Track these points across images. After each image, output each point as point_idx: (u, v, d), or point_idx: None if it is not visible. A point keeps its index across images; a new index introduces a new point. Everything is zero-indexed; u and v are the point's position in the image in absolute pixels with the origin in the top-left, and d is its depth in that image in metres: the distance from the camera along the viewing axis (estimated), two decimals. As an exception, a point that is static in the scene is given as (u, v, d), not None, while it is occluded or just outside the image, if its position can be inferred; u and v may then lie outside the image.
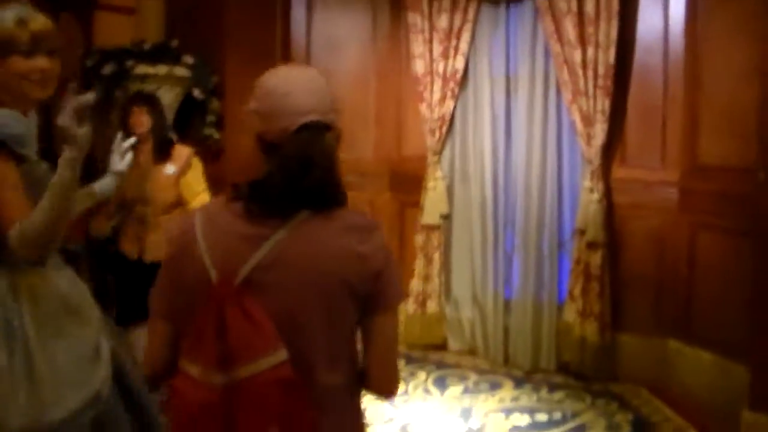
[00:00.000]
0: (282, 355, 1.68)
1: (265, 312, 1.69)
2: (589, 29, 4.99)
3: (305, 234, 1.75)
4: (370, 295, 1.79)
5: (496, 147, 5.52)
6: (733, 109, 4.66)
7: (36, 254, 2.33)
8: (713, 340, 4.79)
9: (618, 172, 5.18)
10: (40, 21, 2.41)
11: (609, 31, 4.96)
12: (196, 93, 5.41)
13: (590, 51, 5.01)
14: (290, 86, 1.81)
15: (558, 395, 4.98)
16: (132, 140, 2.95)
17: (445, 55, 5.48)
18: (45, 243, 2.30)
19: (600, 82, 5.01)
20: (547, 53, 5.25)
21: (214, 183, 5.57)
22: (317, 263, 1.74)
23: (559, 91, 5.22)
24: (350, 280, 1.76)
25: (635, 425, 4.57)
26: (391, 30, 5.94)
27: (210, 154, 5.57)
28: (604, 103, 5.02)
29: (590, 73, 5.02)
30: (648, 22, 5.06)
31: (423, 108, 5.61)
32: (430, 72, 5.55)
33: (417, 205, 5.72)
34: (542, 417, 4.65)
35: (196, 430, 1.71)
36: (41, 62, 2.40)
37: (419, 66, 5.59)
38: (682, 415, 4.69)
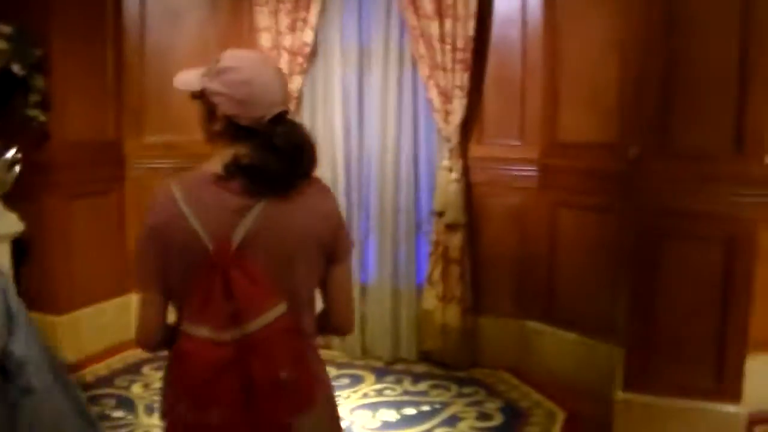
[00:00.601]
0: (282, 307, 1.93)
1: (260, 271, 1.92)
2: (448, 1, 4.75)
3: (281, 201, 1.97)
4: (333, 247, 2.07)
5: (348, 125, 5.19)
6: (594, 84, 4.58)
7: None
8: (576, 320, 4.72)
9: (476, 150, 4.99)
10: None
11: (468, 2, 4.73)
12: (16, 68, 4.73)
13: (448, 23, 4.76)
14: (265, 78, 2.01)
15: (423, 386, 4.75)
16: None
17: (293, 28, 5.08)
18: None
19: (459, 55, 4.78)
20: (402, 26, 4.96)
21: (40, 170, 4.99)
22: (294, 224, 1.99)
23: (414, 66, 4.95)
24: (320, 236, 2.03)
25: (506, 412, 4.40)
26: (233, 1, 5.49)
27: (34, 139, 4.96)
28: (462, 78, 4.80)
29: (448, 46, 4.79)
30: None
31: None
32: (277, 46, 5.14)
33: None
34: (410, 410, 4.40)
35: (212, 386, 1.88)
36: None
37: (265, 39, 5.16)
38: (551, 399, 4.57)
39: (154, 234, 1.96)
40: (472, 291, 5.00)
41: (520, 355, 4.99)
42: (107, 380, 4.87)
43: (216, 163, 1.99)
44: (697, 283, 3.81)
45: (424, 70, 4.85)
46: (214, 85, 2.00)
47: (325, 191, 2.11)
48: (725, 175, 3.72)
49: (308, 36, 5.07)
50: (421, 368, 5.01)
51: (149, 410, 4.38)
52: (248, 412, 1.91)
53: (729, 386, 3.82)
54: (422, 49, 4.83)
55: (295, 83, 5.13)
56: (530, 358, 4.95)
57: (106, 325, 5.42)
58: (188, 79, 2.11)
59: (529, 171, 4.89)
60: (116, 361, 5.19)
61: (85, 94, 5.25)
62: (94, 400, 4.52)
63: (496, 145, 4.97)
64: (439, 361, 5.02)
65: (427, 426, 4.22)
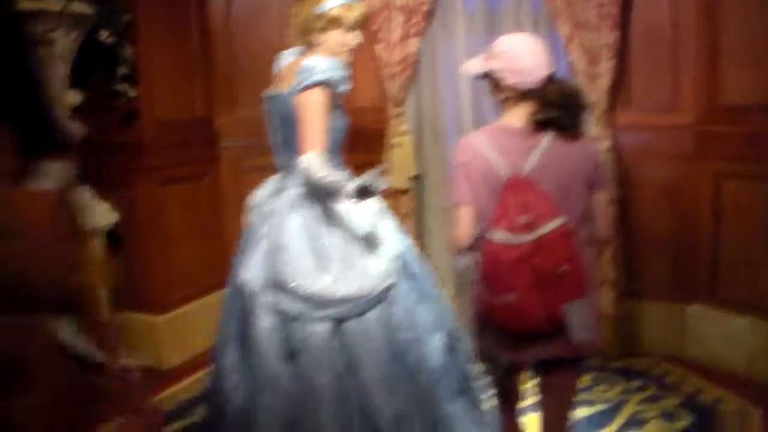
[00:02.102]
0: (562, 218, 2.54)
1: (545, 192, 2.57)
2: (590, -53, 4.22)
3: (559, 143, 2.62)
4: (593, 180, 2.69)
5: (476, 95, 4.63)
6: (761, 36, 4.06)
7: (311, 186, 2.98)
8: (747, 302, 4.22)
9: (623, 117, 4.45)
10: None
11: (614, -53, 4.21)
12: (103, 36, 4.16)
13: (592, -26, 4.24)
14: (532, 51, 2.64)
15: (584, 379, 4.12)
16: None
17: (407, -13, 4.53)
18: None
19: (605, 10, 4.25)
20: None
21: (129, 153, 4.45)
22: (568, 161, 2.63)
23: (552, 25, 4.41)
24: (585, 170, 2.67)
25: (691, 411, 3.91)
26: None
27: (120, 118, 4.41)
28: (609, 36, 4.27)
29: (592, 1, 4.26)
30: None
31: (379, 49, 4.63)
32: (387, 5, 4.58)
33: (374, 166, 4.74)
34: (585, 410, 3.87)
35: (509, 276, 2.51)
36: None
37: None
38: (733, 393, 4.07)
39: (464, 168, 2.65)
40: (625, 273, 4.52)
41: (681, 342, 4.50)
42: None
43: (508, 119, 2.68)
44: None
45: (564, 29, 4.32)
46: (497, 65, 2.65)
47: (587, 138, 2.87)
48: None
49: None
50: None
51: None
52: (536, 296, 2.51)
53: None
54: (561, 4, 4.29)
55: (410, 48, 4.59)
56: (693, 346, 4.46)
57: (210, 322, 4.88)
58: (472, 66, 2.77)
59: (685, 139, 4.37)
60: (223, 365, 4.68)
61: (171, 66, 4.67)
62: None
63: (645, 111, 4.44)
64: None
65: (611, 429, 3.74)
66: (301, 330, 2.92)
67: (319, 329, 2.90)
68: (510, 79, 2.61)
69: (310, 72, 2.97)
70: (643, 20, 4.38)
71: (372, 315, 2.95)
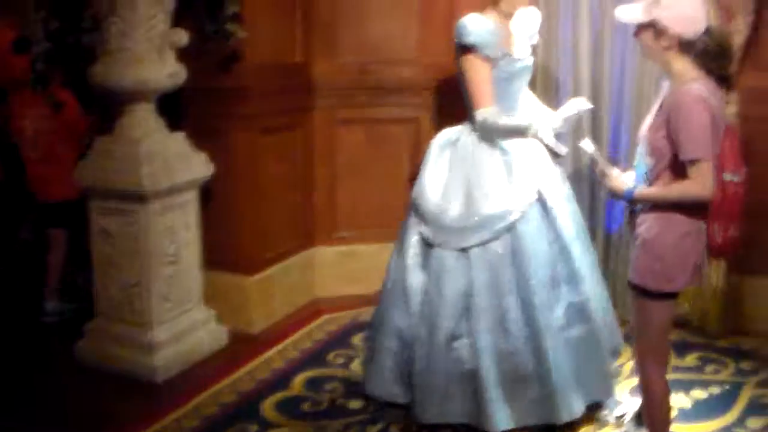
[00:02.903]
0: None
1: None
2: None
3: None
4: None
5: (598, 48, 4.36)
6: None
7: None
8: None
9: (752, 79, 4.17)
10: None
11: None
12: None
13: None
14: (698, 0, 2.79)
15: (690, 359, 4.11)
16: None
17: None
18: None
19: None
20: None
21: (227, 99, 4.16)
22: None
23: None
24: None
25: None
26: None
27: (222, 60, 4.09)
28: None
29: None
30: None
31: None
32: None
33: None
34: (700, 393, 3.76)
35: (740, 208, 3.00)
36: None
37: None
38: None
39: (707, 123, 2.69)
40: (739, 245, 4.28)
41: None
42: (318, 357, 4.19)
43: (692, 72, 2.76)
44: None
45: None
46: (664, 14, 2.73)
47: None
48: None
49: None
50: (673, 335, 4.26)
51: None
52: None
53: None
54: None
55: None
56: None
57: (292, 285, 4.72)
58: (632, 12, 2.83)
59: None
60: (316, 331, 4.52)
61: (271, 5, 4.37)
62: (317, 386, 3.86)
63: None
64: (694, 327, 4.37)
65: (732, 416, 3.56)
66: None
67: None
68: (677, 28, 2.72)
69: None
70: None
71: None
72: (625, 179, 2.94)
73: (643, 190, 2.85)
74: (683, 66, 2.76)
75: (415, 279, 3.42)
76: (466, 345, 3.30)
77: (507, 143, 3.43)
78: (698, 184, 2.69)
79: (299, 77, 4.61)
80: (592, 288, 3.50)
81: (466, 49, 3.39)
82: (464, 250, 3.34)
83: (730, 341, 4.31)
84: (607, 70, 4.38)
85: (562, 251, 3.44)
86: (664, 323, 2.92)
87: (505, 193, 3.35)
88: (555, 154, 3.42)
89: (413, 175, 3.73)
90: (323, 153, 4.75)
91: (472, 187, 3.41)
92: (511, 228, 3.32)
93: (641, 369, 2.99)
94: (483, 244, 3.32)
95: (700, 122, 2.67)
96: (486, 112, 3.39)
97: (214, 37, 4.02)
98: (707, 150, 2.68)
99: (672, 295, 2.86)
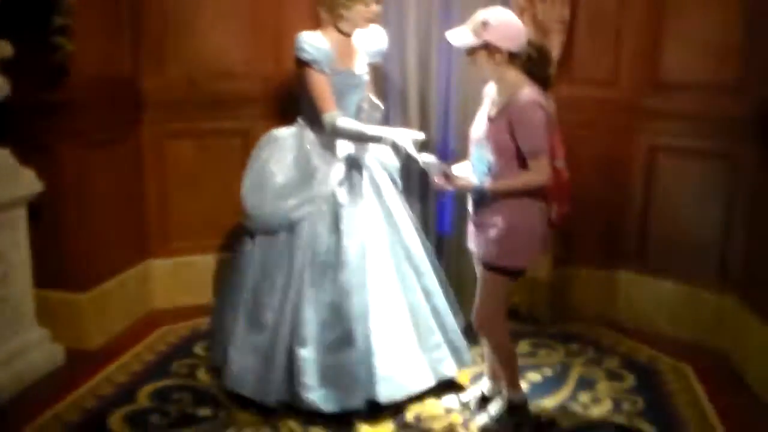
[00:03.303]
0: None
1: None
2: None
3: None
4: None
5: (426, 62, 4.54)
6: (706, 20, 4.31)
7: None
8: (675, 268, 4.57)
9: (565, 90, 4.46)
10: None
11: None
12: None
13: (548, -54, 4.30)
14: (516, 18, 3.31)
15: (525, 345, 4.42)
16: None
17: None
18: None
19: (559, -16, 4.34)
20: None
21: (55, 114, 4.03)
22: None
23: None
24: None
25: (632, 370, 4.18)
26: None
27: (49, 74, 3.98)
28: (563, 11, 4.36)
29: (546, -27, 4.32)
30: None
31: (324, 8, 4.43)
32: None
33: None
34: (534, 376, 4.07)
35: (569, 190, 3.44)
36: None
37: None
38: (665, 353, 4.38)
39: (543, 122, 3.21)
40: (559, 241, 4.64)
41: (611, 306, 4.77)
42: (161, 368, 4.12)
43: (522, 79, 3.25)
44: None
45: (518, 1, 4.35)
46: (494, 35, 3.18)
47: None
48: None
49: None
50: (510, 326, 4.59)
51: (235, 400, 3.72)
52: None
53: None
54: (516, -24, 4.33)
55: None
56: (623, 309, 4.75)
57: (129, 298, 4.62)
58: (462, 36, 3.26)
59: (623, 113, 4.56)
60: (156, 342, 4.44)
61: (100, 18, 4.27)
62: (163, 397, 3.81)
63: (587, 85, 4.57)
64: (526, 317, 4.68)
65: (565, 393, 3.91)
66: None
67: None
68: (506, 45, 3.19)
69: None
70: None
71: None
72: (470, 178, 3.34)
73: (491, 183, 3.27)
74: (514, 75, 3.26)
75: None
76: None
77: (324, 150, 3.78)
78: (538, 173, 3.22)
79: (128, 91, 4.51)
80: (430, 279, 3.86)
81: (303, 63, 3.68)
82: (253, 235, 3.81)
83: (558, 327, 4.67)
84: (434, 81, 4.58)
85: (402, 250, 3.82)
86: (511, 291, 3.63)
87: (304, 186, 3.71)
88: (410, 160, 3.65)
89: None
90: (154, 166, 4.68)
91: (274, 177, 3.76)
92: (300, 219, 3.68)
93: (492, 332, 3.50)
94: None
95: (537, 121, 3.19)
96: (332, 116, 3.66)
97: (41, 50, 3.90)
98: (544, 144, 3.22)
99: (524, 269, 3.46)
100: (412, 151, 3.54)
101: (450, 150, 4.58)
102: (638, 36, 4.49)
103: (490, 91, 3.42)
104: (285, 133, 3.91)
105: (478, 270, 3.49)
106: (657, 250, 4.62)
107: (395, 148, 3.61)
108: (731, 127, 4.24)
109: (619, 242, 4.73)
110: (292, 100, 4.54)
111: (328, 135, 3.72)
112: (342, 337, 3.58)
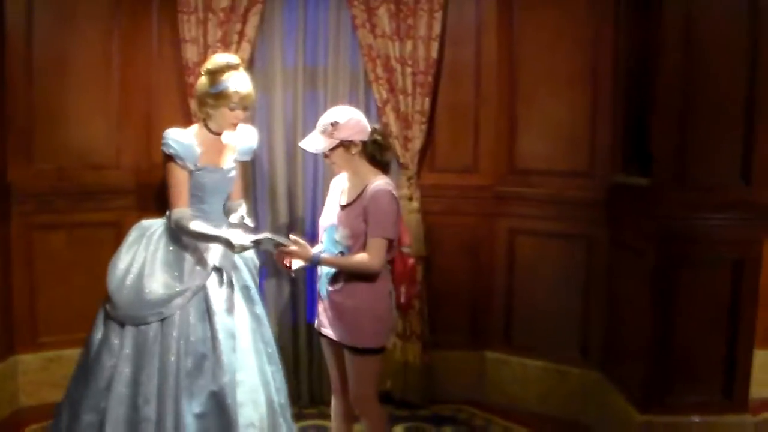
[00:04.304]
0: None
1: None
2: (409, 21, 4.53)
3: None
4: None
5: (290, 150, 4.70)
6: (558, 111, 4.62)
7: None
8: (539, 347, 4.75)
9: (428, 178, 4.78)
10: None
11: (431, 23, 4.57)
12: None
13: (409, 45, 4.55)
14: (358, 111, 3.55)
15: (400, 430, 4.46)
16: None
17: (225, 42, 4.50)
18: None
19: (420, 79, 4.59)
20: (354, 44, 4.65)
21: None
22: None
23: (367, 89, 4.67)
24: None
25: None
26: (138, 6, 4.71)
27: None
28: (423, 103, 4.60)
29: (409, 69, 4.57)
30: (458, 13, 4.73)
31: (194, 105, 4.54)
32: (204, 61, 4.47)
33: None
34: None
35: (414, 273, 3.70)
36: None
37: (190, 52, 4.54)
38: (534, 428, 4.54)
39: (397, 211, 3.43)
40: (429, 326, 4.79)
41: (481, 387, 4.90)
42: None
43: (371, 169, 3.49)
44: (709, 305, 3.97)
45: (380, 93, 4.58)
46: (346, 133, 3.42)
47: None
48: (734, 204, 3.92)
49: (245, 51, 4.50)
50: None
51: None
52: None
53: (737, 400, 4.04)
54: (380, 70, 4.55)
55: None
56: (492, 389, 4.88)
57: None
58: (317, 142, 3.47)
59: (484, 199, 4.80)
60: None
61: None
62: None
63: (449, 173, 4.81)
64: (399, 401, 4.75)
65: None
66: None
67: None
68: (358, 137, 3.43)
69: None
70: (449, 91, 4.77)
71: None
72: (300, 247, 3.46)
73: (327, 256, 3.47)
74: (366, 166, 3.49)
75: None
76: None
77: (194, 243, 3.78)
78: (373, 257, 3.38)
79: (-5, 182, 4.49)
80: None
81: (167, 157, 3.73)
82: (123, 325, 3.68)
83: (431, 410, 4.74)
84: (301, 175, 4.74)
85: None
86: (380, 368, 3.64)
87: (171, 280, 3.69)
88: (257, 244, 3.62)
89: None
90: (21, 259, 4.60)
91: (143, 267, 3.73)
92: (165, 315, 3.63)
93: (369, 411, 3.59)
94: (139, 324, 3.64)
95: (389, 210, 3.40)
96: (179, 212, 3.71)
97: None
98: (390, 232, 3.41)
99: (384, 347, 3.55)
100: (245, 241, 3.60)
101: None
102: (496, 126, 4.77)
103: (340, 182, 3.62)
104: (154, 223, 3.93)
105: (330, 352, 3.66)
106: (521, 329, 4.80)
107: (229, 245, 3.62)
108: (585, 209, 4.51)
109: (485, 323, 4.89)
110: (162, 191, 4.64)
111: (174, 229, 3.74)
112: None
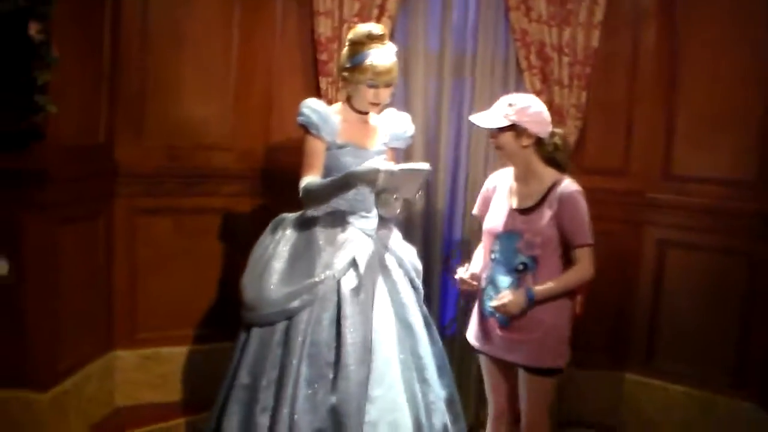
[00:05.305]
0: None
1: None
2: (569, 5, 4.10)
3: None
4: None
5: (430, 143, 4.28)
6: (722, 115, 4.19)
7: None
8: (686, 372, 4.33)
9: (577, 179, 4.30)
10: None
11: (593, 8, 4.14)
12: (33, 30, 3.18)
13: (567, 32, 4.12)
14: (545, 107, 3.23)
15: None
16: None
17: (363, 15, 4.05)
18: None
19: (577, 69, 4.16)
20: (506, 30, 4.20)
21: (21, 185, 3.50)
22: None
23: (520, 79, 4.22)
24: None
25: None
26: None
27: (20, 138, 3.45)
28: (580, 96, 4.18)
29: (566, 58, 4.13)
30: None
31: (325, 83, 4.13)
32: (338, 36, 4.08)
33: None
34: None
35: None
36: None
37: (324, 26, 4.09)
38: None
39: None
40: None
41: (615, 411, 4.48)
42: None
43: (551, 169, 3.19)
44: None
45: (535, 84, 4.15)
46: (524, 118, 3.10)
47: None
48: None
49: (385, 26, 3.97)
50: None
51: None
52: None
53: None
54: (533, 58, 4.12)
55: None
56: (630, 414, 4.46)
57: (90, 397, 3.99)
58: (489, 117, 3.16)
59: (633, 204, 4.39)
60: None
61: (79, 80, 3.76)
62: None
63: (597, 175, 4.31)
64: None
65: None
66: None
67: None
68: (535, 129, 3.12)
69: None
70: (602, 85, 4.34)
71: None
72: (510, 292, 3.09)
73: (541, 289, 3.07)
74: (542, 165, 3.20)
75: None
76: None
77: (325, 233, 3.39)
78: (589, 267, 3.14)
79: (101, 160, 4.00)
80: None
81: (302, 127, 3.43)
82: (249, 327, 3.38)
83: None
84: (442, 172, 4.33)
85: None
86: (555, 393, 3.39)
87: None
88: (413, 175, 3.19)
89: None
90: (124, 246, 4.14)
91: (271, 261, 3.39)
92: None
93: None
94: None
95: (586, 212, 3.12)
96: (307, 179, 3.37)
97: (12, 110, 3.38)
98: (591, 237, 3.14)
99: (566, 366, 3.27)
100: (394, 167, 3.17)
101: (455, 241, 4.31)
102: (649, 128, 4.36)
103: (503, 181, 3.28)
104: (293, 215, 3.52)
105: (496, 374, 3.34)
106: (665, 351, 4.38)
107: (370, 177, 3.16)
108: (747, 222, 4.10)
109: (627, 342, 4.48)
110: (277, 177, 4.22)
111: (304, 205, 3.40)
112: None
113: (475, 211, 3.44)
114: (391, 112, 3.62)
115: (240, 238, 4.13)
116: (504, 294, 3.08)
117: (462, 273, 3.28)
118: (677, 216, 4.29)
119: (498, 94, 4.17)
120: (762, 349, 4.09)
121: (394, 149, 3.65)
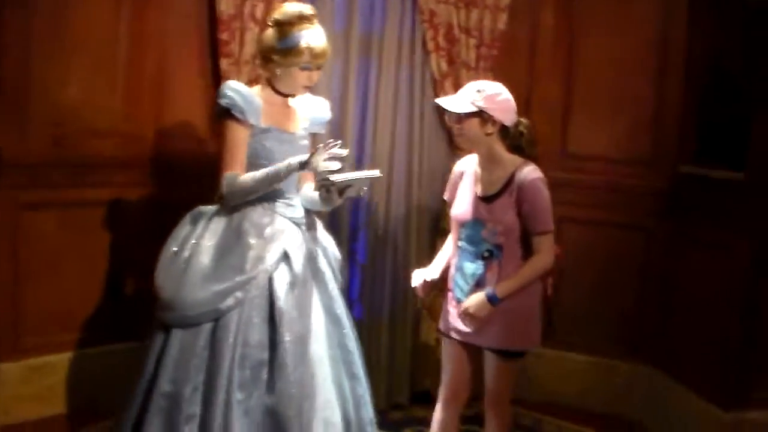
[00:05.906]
0: None
1: None
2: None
3: None
4: None
5: (337, 122, 4.10)
6: (619, 94, 4.38)
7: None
8: (582, 342, 4.53)
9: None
10: None
11: (500, -9, 4.13)
12: None
13: (475, 14, 4.10)
14: (511, 95, 3.13)
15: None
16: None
17: (268, -6, 3.83)
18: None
19: (484, 51, 4.15)
20: (414, 10, 4.12)
21: None
22: None
23: (426, 60, 4.17)
24: None
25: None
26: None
27: None
28: (486, 78, 4.12)
29: (473, 40, 4.11)
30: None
31: (226, 64, 3.88)
32: (241, 14, 3.85)
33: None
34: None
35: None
36: None
37: (225, 3, 3.82)
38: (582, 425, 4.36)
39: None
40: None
41: (521, 384, 4.52)
42: None
43: (515, 156, 3.14)
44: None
45: (440, 66, 4.09)
46: (491, 105, 3.06)
47: None
48: None
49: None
50: (420, 412, 4.23)
51: None
52: None
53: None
54: (441, 40, 4.06)
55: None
56: (531, 386, 4.52)
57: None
58: (456, 102, 3.11)
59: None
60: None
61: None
62: None
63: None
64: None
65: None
66: None
67: None
68: (500, 116, 3.08)
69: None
70: (505, 69, 4.29)
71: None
72: (471, 299, 3.09)
73: (503, 287, 3.06)
74: (506, 153, 3.15)
75: None
76: None
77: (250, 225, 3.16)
78: (549, 254, 3.12)
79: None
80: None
81: (223, 111, 3.15)
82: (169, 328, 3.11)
83: (474, 409, 4.08)
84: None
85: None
86: (518, 375, 3.40)
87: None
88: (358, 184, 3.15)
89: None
90: (4, 246, 3.75)
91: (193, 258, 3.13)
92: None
93: (503, 411, 3.29)
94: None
95: (547, 199, 3.09)
96: (232, 176, 3.13)
97: None
98: (551, 224, 3.11)
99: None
100: (349, 176, 3.12)
101: (361, 223, 4.29)
102: (546, 106, 4.43)
103: (469, 168, 3.24)
104: (211, 208, 3.27)
105: (461, 357, 3.28)
106: (565, 325, 4.49)
107: (310, 167, 3.06)
108: (643, 199, 4.33)
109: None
110: (170, 165, 3.95)
111: (226, 200, 3.16)
112: None
113: (445, 195, 3.39)
114: (306, 96, 3.44)
115: (131, 231, 3.91)
116: (465, 303, 3.08)
117: (417, 281, 3.26)
118: (575, 193, 4.40)
119: (404, 76, 4.17)
120: (655, 315, 4.34)
121: (313, 134, 3.50)
